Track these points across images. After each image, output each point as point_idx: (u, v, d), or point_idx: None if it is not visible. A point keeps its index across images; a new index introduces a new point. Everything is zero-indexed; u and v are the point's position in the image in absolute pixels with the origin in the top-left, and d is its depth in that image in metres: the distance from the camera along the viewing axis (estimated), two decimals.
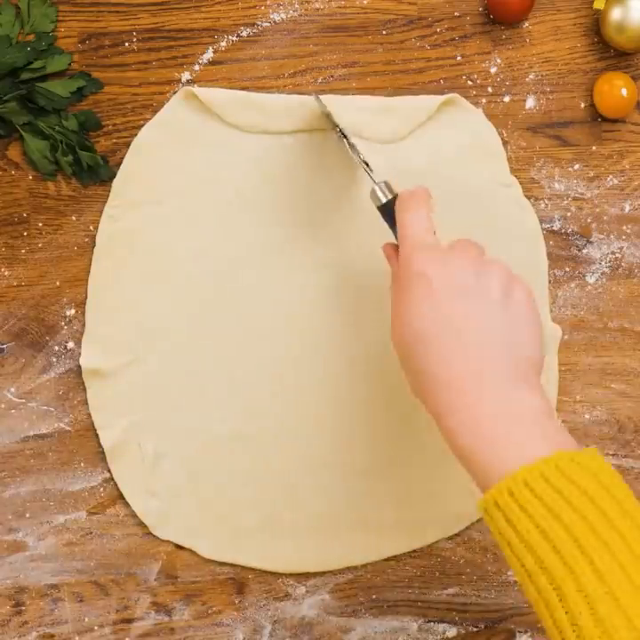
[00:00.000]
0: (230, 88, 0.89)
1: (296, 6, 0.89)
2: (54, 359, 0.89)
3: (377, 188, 0.78)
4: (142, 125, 0.89)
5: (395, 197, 0.77)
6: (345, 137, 0.84)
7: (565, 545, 0.58)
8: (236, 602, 0.90)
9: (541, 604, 0.59)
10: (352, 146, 0.83)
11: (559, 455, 0.61)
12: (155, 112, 0.89)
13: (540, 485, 0.60)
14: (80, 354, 0.89)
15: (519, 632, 0.89)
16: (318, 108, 0.85)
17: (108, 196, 0.89)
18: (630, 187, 0.90)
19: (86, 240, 0.90)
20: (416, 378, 0.69)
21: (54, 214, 0.90)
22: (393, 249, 0.77)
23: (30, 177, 0.90)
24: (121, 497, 0.89)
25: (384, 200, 0.78)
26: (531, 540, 0.60)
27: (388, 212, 0.77)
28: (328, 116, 0.85)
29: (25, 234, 0.90)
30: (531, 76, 0.90)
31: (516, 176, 0.89)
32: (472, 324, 0.68)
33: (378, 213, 0.78)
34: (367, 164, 0.82)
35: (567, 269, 0.90)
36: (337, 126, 0.84)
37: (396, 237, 0.77)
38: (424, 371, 0.68)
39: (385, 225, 0.78)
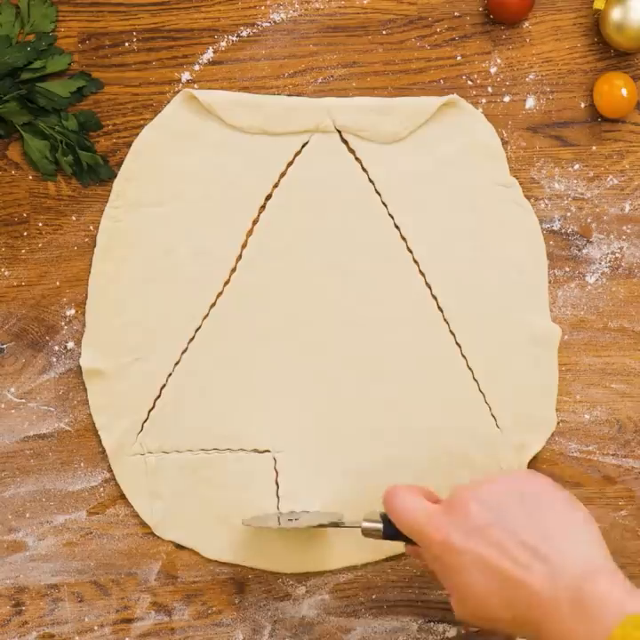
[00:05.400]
0: (230, 88, 0.89)
1: (296, 6, 0.89)
2: (54, 359, 0.89)
3: (366, 524, 0.78)
4: (142, 125, 0.89)
5: (383, 515, 0.77)
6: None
7: None
8: (236, 602, 0.90)
9: None
10: None
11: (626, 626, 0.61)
12: (155, 112, 0.89)
13: None
14: (80, 354, 0.89)
15: None
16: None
17: (107, 196, 0.89)
18: (630, 187, 0.90)
19: (86, 240, 0.90)
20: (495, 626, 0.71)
21: (54, 214, 0.90)
22: (411, 547, 0.78)
23: (30, 177, 0.90)
24: (121, 497, 0.89)
25: (381, 525, 0.77)
26: None
27: (388, 532, 0.77)
28: None
29: (25, 234, 0.90)
30: (531, 76, 0.90)
31: (515, 176, 0.89)
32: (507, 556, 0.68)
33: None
34: (337, 524, 0.82)
35: (567, 269, 0.90)
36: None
37: (408, 543, 0.77)
38: (498, 620, 0.69)
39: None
